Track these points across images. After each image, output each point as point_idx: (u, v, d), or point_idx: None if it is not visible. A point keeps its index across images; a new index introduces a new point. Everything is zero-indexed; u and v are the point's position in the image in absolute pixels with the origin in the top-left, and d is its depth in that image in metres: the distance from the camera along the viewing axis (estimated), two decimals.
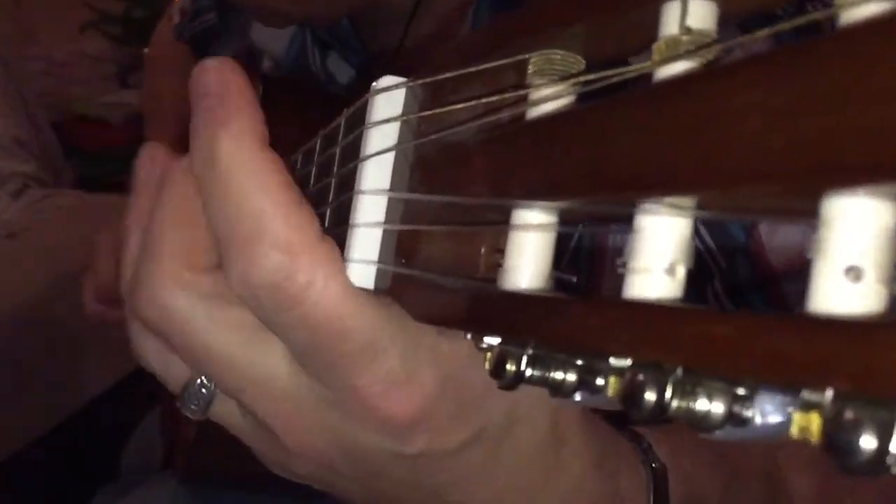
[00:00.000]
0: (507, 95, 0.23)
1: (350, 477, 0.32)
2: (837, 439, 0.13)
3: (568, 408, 0.35)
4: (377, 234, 0.28)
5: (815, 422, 0.14)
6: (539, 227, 0.22)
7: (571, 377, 0.20)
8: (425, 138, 0.26)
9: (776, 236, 0.52)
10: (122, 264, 0.34)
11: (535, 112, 0.22)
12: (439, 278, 0.25)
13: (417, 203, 0.27)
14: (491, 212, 0.24)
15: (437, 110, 0.26)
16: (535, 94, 0.22)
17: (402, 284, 0.27)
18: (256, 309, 0.29)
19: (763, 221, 0.46)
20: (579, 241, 0.53)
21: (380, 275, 0.28)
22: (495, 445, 0.32)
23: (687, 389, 0.16)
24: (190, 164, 0.30)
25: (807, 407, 0.14)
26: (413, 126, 0.28)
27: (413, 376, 0.29)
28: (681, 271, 0.18)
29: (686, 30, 0.18)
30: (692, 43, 0.18)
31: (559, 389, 0.20)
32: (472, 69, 0.24)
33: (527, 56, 0.22)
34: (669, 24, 0.18)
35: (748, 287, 0.54)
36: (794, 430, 0.14)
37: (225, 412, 0.33)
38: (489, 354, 0.22)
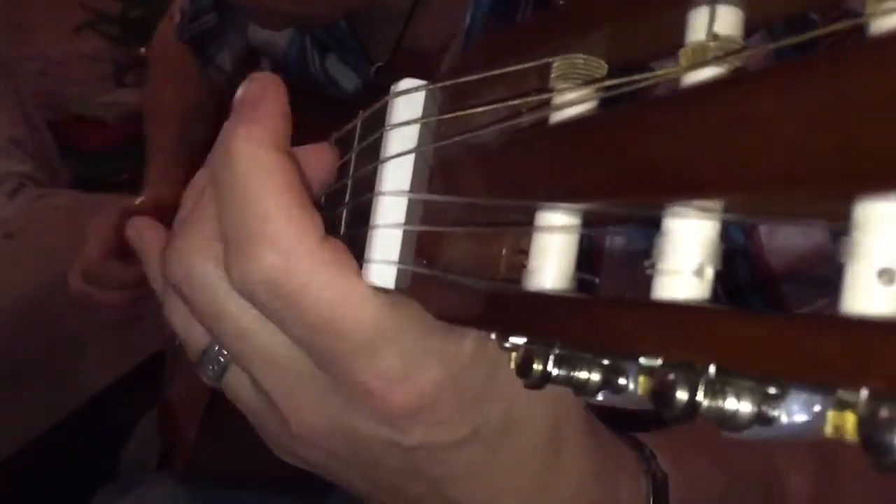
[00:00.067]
0: (530, 99, 0.24)
1: (351, 463, 0.33)
2: (873, 438, 0.13)
3: (574, 410, 0.35)
4: (397, 235, 0.28)
5: (850, 420, 0.14)
6: (563, 228, 0.22)
7: (596, 377, 0.21)
8: (446, 141, 0.27)
9: (775, 238, 0.52)
10: (172, 229, 0.35)
11: (558, 116, 0.22)
12: (460, 279, 0.25)
13: (437, 204, 0.27)
14: (514, 213, 0.24)
15: (459, 113, 0.26)
16: (559, 99, 0.23)
17: (422, 284, 0.27)
18: (256, 306, 0.30)
19: (787, 224, 0.46)
20: (579, 242, 0.53)
21: (400, 275, 0.28)
22: (494, 445, 0.32)
23: (717, 389, 0.16)
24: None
25: (841, 406, 0.14)
26: (432, 128, 0.28)
27: (412, 374, 0.29)
28: (709, 272, 0.18)
29: (713, 36, 0.18)
30: (720, 49, 0.18)
31: (584, 388, 0.21)
32: (496, 72, 0.24)
33: (550, 60, 0.23)
34: (696, 30, 0.19)
35: (748, 289, 0.54)
36: (829, 429, 0.15)
37: (237, 383, 0.34)
38: (514, 354, 0.22)
